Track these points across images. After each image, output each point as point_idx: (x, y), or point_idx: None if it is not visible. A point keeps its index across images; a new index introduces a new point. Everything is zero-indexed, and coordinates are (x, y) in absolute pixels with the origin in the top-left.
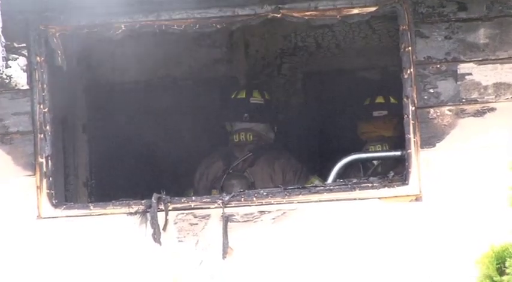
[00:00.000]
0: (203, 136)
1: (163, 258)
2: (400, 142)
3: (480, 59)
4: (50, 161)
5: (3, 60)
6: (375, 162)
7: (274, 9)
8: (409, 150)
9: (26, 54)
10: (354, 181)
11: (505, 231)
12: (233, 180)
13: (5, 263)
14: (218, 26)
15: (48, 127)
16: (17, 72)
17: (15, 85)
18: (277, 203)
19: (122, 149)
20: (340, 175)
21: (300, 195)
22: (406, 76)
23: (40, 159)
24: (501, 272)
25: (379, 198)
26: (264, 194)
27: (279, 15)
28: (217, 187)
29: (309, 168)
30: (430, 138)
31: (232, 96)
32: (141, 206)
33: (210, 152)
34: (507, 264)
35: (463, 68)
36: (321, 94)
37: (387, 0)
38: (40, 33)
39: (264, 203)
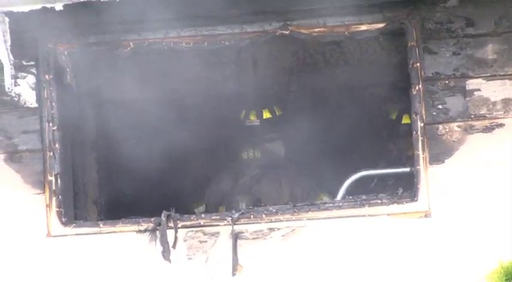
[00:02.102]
0: (212, 153)
1: (173, 276)
2: None
3: (488, 74)
4: (59, 179)
5: (12, 79)
6: None
7: (282, 26)
8: (417, 167)
9: (35, 72)
10: (363, 198)
11: None
12: (239, 197)
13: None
14: (226, 43)
15: (57, 145)
16: (26, 91)
17: (24, 103)
18: (286, 220)
19: (131, 166)
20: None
21: (309, 212)
22: (414, 92)
23: (49, 177)
24: None
25: (388, 214)
26: (273, 211)
27: (287, 32)
28: (224, 204)
29: (318, 184)
30: (439, 155)
31: (242, 117)
32: (150, 224)
33: (220, 169)
34: None
35: (471, 83)
36: (329, 110)
37: (395, 17)
38: (49, 51)
39: (273, 219)
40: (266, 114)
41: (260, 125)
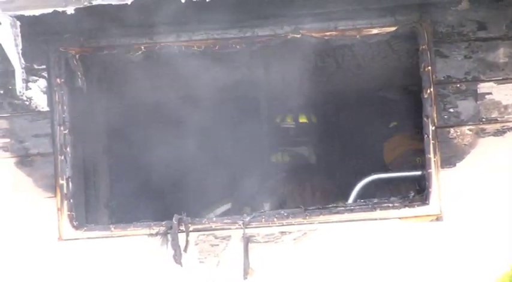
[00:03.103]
0: (224, 156)
1: (184, 279)
2: None
3: (500, 78)
4: (70, 183)
5: (23, 82)
6: None
7: (293, 29)
8: (429, 170)
9: (46, 76)
10: (375, 201)
11: None
12: (264, 199)
13: None
14: (238, 46)
15: (68, 149)
16: (37, 94)
17: (36, 107)
18: (298, 224)
19: (142, 169)
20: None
21: (321, 216)
22: (426, 96)
23: (61, 181)
24: None
25: (399, 218)
26: (285, 214)
27: (298, 36)
28: (250, 205)
29: (340, 189)
30: (451, 158)
31: (278, 119)
32: (162, 227)
33: (250, 171)
34: None
35: (482, 87)
36: (340, 114)
37: (407, 20)
38: (60, 55)
39: (284, 223)
40: (302, 119)
41: (294, 129)
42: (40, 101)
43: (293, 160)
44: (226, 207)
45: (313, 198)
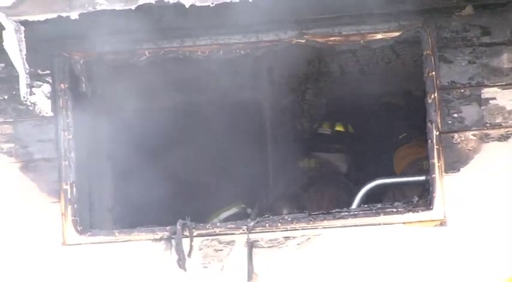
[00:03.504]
0: (228, 161)
1: None
2: None
3: (504, 83)
4: (74, 188)
5: (27, 88)
6: None
7: (298, 34)
8: (433, 175)
9: (50, 81)
10: (378, 206)
11: None
12: (283, 204)
13: None
14: (242, 52)
15: (72, 154)
16: (41, 99)
17: (40, 112)
18: (302, 229)
19: (146, 174)
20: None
21: (325, 221)
22: (430, 101)
23: (65, 186)
24: None
25: (403, 223)
26: (289, 219)
27: (303, 41)
28: (271, 209)
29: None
30: (454, 163)
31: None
32: (166, 233)
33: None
34: None
35: (487, 92)
36: (344, 119)
37: (411, 25)
38: (64, 60)
39: (288, 228)
40: (339, 127)
41: (329, 136)
42: (44, 106)
43: (321, 167)
44: (231, 211)
45: (329, 206)
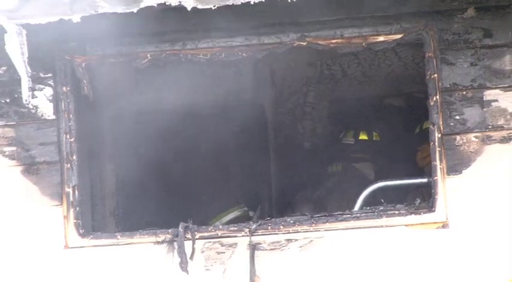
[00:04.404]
0: (229, 164)
1: None
2: None
3: (506, 85)
4: (76, 191)
5: (29, 91)
6: None
7: (299, 37)
8: (435, 177)
9: (52, 84)
10: (381, 208)
11: None
12: (304, 207)
13: None
14: (244, 54)
15: (74, 157)
16: (43, 103)
17: (42, 115)
18: (304, 231)
19: (148, 177)
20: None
21: (327, 223)
22: (432, 103)
23: (67, 189)
24: None
25: (405, 225)
26: (291, 222)
27: (304, 43)
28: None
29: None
30: (457, 165)
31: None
32: (168, 235)
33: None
34: None
35: (489, 94)
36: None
37: (413, 28)
38: (66, 63)
39: (291, 231)
40: (363, 136)
41: (353, 145)
42: (46, 109)
43: (346, 172)
44: (234, 214)
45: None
